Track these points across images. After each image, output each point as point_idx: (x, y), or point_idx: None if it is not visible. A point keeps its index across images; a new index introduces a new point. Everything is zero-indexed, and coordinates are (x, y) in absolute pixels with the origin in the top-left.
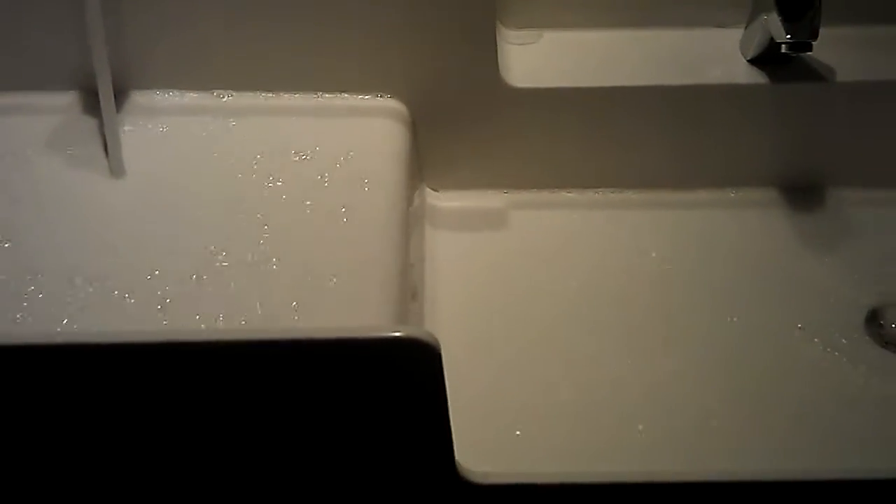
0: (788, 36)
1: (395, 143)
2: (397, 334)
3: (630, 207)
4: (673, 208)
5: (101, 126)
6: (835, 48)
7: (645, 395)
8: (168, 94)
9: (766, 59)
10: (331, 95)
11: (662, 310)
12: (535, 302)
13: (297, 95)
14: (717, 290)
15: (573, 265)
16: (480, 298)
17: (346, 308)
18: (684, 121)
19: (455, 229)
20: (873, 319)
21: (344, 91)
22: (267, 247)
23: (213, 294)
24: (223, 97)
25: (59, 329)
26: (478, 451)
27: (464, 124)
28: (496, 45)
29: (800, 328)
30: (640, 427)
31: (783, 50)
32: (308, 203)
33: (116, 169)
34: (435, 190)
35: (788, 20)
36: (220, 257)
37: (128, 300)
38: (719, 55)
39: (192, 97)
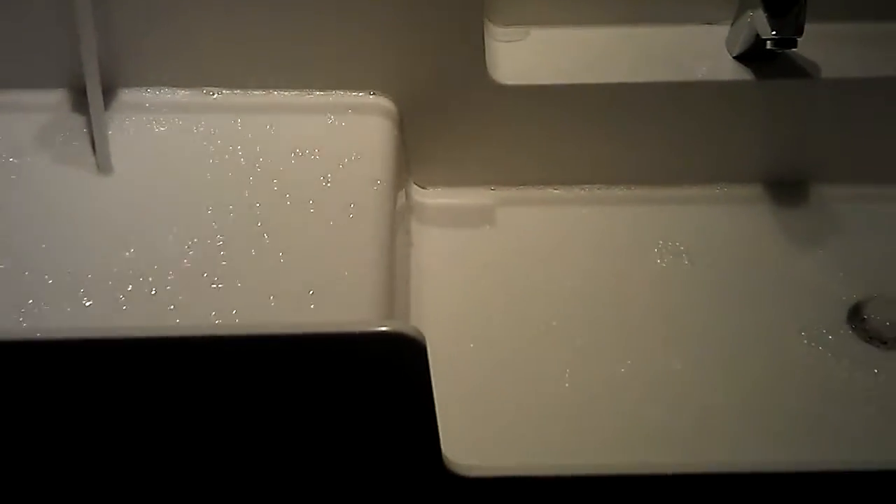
0: (774, 32)
1: (382, 140)
2: (383, 329)
3: (618, 204)
4: (660, 204)
5: (90, 124)
6: (820, 44)
7: (638, 390)
8: (157, 91)
9: (752, 55)
10: (320, 93)
11: (650, 306)
12: (522, 298)
13: (286, 93)
14: (704, 285)
15: (561, 262)
16: (467, 294)
17: (334, 305)
18: (671, 117)
19: (442, 226)
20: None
21: (332, 88)
22: (253, 244)
23: (196, 292)
24: (213, 94)
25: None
26: (465, 446)
27: (451, 121)
28: (484, 43)
29: (786, 323)
30: (623, 420)
31: (769, 46)
32: (294, 200)
33: (104, 166)
34: (422, 187)
35: (774, 17)
36: (205, 253)
37: (120, 298)
38: (706, 52)
39: (181, 94)
